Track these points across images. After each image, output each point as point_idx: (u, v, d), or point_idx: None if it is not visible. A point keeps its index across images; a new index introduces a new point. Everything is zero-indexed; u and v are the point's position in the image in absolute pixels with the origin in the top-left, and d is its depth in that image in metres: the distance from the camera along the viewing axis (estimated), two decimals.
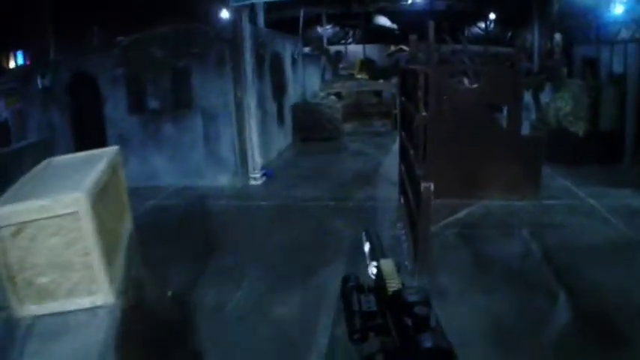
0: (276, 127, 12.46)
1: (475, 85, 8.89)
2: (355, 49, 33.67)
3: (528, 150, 8.28)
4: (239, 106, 9.68)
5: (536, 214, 7.71)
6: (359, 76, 25.41)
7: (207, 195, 9.32)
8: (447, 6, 29.97)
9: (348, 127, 15.62)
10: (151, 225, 7.65)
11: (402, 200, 7.57)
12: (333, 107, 13.81)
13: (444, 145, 7.37)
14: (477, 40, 30.55)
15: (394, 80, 20.10)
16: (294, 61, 14.27)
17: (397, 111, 10.89)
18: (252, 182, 10.03)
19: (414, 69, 6.22)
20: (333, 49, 30.56)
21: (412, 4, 30.35)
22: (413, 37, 7.92)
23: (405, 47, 34.57)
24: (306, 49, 19.29)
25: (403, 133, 7.67)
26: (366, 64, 30.72)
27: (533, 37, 25.51)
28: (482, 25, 33.98)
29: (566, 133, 10.95)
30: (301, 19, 14.86)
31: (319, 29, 29.00)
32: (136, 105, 10.38)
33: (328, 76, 20.93)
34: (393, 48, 35.20)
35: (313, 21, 29.13)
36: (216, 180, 9.98)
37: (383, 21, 31.71)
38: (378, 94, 16.99)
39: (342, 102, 15.86)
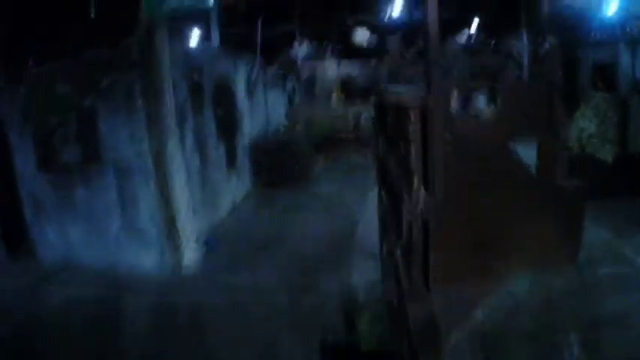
0: (226, 174, 9.78)
1: (489, 111, 6.33)
2: (334, 66, 31.32)
3: (567, 203, 5.62)
4: (159, 158, 7.02)
5: (582, 300, 5.07)
6: (334, 95, 22.97)
7: (124, 286, 6.77)
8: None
9: (320, 161, 13.01)
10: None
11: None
12: (300, 142, 11.12)
13: (447, 207, 4.77)
14: (460, 50, 28.73)
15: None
16: (250, 86, 11.67)
17: (373, 151, 8.34)
18: (186, 262, 7.35)
19: (402, 101, 3.59)
20: (307, 66, 28.22)
21: (389, 18, 28.12)
22: (394, 40, 5.26)
23: (388, 62, 32.43)
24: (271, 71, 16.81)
25: (384, 195, 5.02)
26: (346, 83, 28.36)
27: (522, 43, 23.58)
28: (465, 34, 32.06)
29: (592, 160, 8.56)
30: (259, 33, 12.25)
31: (296, 47, 26.53)
32: (45, 158, 7.84)
33: (301, 99, 18.39)
34: (374, 63, 32.91)
35: (289, 39, 26.80)
36: (139, 261, 7.35)
37: (362, 34, 29.23)
38: (355, 117, 14.43)
39: (313, 130, 13.28)
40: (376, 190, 8.53)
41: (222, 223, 8.86)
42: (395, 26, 28.66)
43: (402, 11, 27.53)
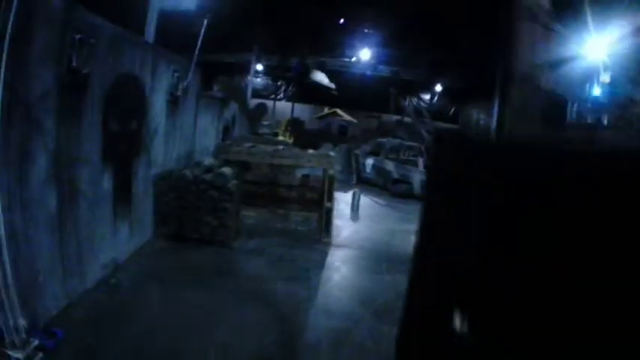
0: (111, 220, 6.51)
1: None
2: (285, 107, 28.68)
3: None
4: None
5: None
6: (281, 138, 20.22)
7: None
8: (392, 72, 26.00)
9: (251, 217, 9.93)
10: None
11: None
12: (223, 187, 7.99)
13: None
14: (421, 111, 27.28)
15: (328, 150, 14.87)
16: (173, 100, 8.57)
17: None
18: None
19: None
20: (257, 101, 25.54)
21: (356, 63, 25.87)
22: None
23: (340, 111, 30.00)
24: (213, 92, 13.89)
25: None
26: (294, 125, 25.68)
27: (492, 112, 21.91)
28: (427, 96, 30.58)
29: None
30: (202, 31, 9.12)
31: (248, 78, 23.65)
32: None
33: (240, 132, 15.44)
34: (327, 110, 30.47)
35: (245, 68, 23.65)
36: None
37: (320, 77, 26.80)
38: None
39: (249, 175, 10.28)
40: (322, 276, 5.71)
41: (87, 298, 5.56)
42: (354, 79, 26.47)
43: (369, 61, 25.43)
